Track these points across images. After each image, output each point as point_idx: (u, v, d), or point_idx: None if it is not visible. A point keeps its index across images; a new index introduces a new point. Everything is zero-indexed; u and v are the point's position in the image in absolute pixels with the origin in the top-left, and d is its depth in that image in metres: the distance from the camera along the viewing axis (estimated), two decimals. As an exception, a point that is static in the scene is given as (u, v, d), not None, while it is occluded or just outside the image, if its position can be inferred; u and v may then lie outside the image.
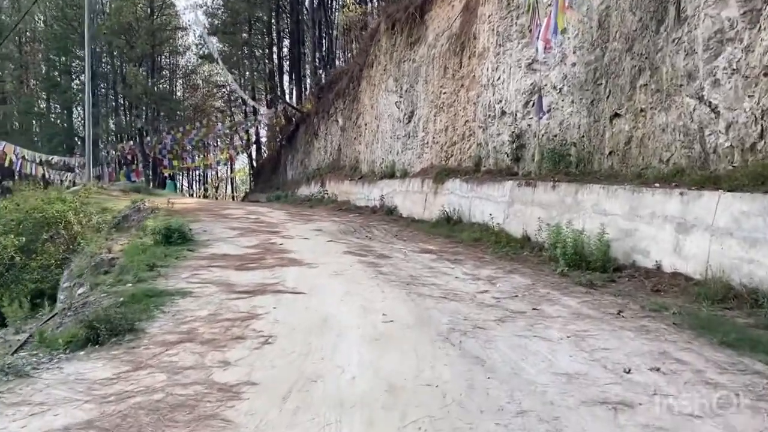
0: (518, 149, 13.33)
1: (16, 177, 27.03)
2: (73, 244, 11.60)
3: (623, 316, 5.91)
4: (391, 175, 19.74)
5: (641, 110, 9.62)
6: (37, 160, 25.93)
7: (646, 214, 8.23)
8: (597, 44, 10.80)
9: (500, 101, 14.20)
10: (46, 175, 26.54)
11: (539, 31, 10.41)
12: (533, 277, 8.00)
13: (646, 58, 9.52)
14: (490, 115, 14.61)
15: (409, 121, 19.52)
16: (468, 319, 5.48)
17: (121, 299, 5.45)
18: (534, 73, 13.09)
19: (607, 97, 10.49)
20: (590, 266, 8.40)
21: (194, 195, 60.53)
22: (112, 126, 43.58)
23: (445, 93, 17.28)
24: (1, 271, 11.60)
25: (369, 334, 4.72)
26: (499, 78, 14.41)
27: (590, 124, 10.93)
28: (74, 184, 23.17)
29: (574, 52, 11.54)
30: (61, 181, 25.80)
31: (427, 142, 18.12)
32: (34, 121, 43.71)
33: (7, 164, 22.11)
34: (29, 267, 11.41)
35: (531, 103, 13.11)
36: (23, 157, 24.04)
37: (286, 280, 6.80)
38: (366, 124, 24.00)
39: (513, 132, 13.48)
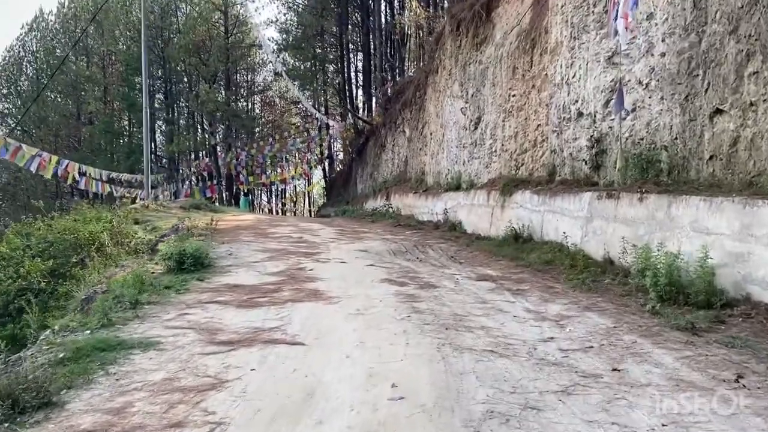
0: (598, 155, 11.47)
1: (74, 195, 27.33)
2: (105, 268, 10.73)
3: (744, 385, 4.12)
4: (457, 187, 18.12)
5: (751, 104, 7.67)
6: (103, 178, 25.97)
7: (763, 233, 6.32)
8: (691, 28, 8.90)
9: (576, 101, 12.38)
10: (113, 193, 26.59)
11: (617, 10, 8.63)
12: (616, 315, 6.23)
13: (756, 39, 7.58)
14: (564, 117, 12.80)
15: (476, 128, 17.87)
16: (517, 392, 3.87)
17: (62, 355, 4.22)
18: (615, 68, 11.24)
19: (706, 90, 8.57)
20: (689, 300, 6.55)
21: (272, 211, 60.88)
22: (188, 144, 44.15)
23: (514, 95, 15.55)
24: (28, 297, 10.82)
25: (361, 426, 3.23)
26: (574, 75, 12.60)
27: (685, 124, 9.01)
28: (134, 202, 22.92)
29: (663, 40, 9.66)
30: (122, 198, 25.78)
31: (495, 150, 16.41)
32: (114, 140, 44.94)
33: (70, 182, 22.08)
34: (57, 293, 10.60)
35: (612, 101, 11.27)
36: (89, 175, 24.05)
37: (291, 323, 5.42)
38: (431, 134, 22.50)
39: (591, 136, 11.64)
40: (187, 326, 5.22)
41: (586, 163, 11.77)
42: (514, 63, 15.63)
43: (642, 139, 10.32)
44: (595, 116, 11.70)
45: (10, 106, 50.73)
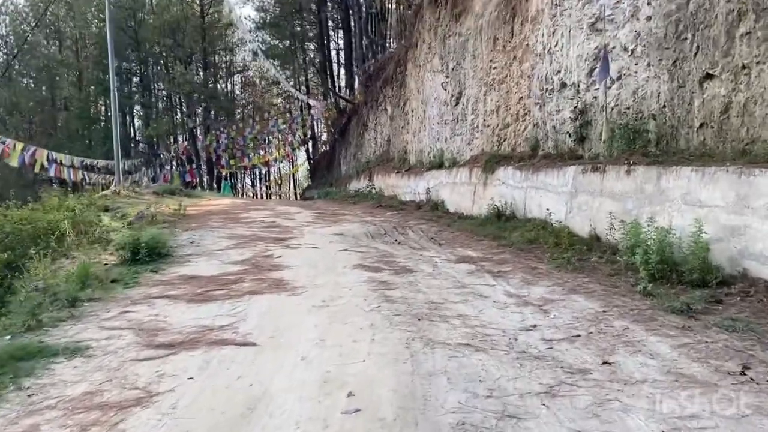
0: (582, 127, 10.96)
1: (53, 184, 26.36)
2: (63, 259, 10.08)
3: (751, 378, 3.64)
4: (439, 166, 17.56)
5: (743, 67, 7.18)
6: (75, 164, 25.07)
7: (761, 204, 5.85)
8: (680, -13, 8.38)
9: (559, 71, 11.83)
10: (86, 180, 25.71)
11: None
12: (604, 298, 5.74)
13: (748, -4, 7.10)
14: (547, 89, 12.25)
15: (457, 104, 17.27)
16: (494, 395, 3.35)
17: (-32, 366, 3.65)
18: (599, 34, 10.68)
19: (695, 54, 8.05)
20: (683, 279, 6.08)
21: (255, 195, 59.99)
22: (166, 127, 43.04)
23: (495, 68, 14.95)
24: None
25: (305, 449, 2.70)
26: (556, 44, 12.03)
27: (673, 91, 8.51)
28: (105, 188, 22.14)
29: (649, 3, 9.12)
30: (93, 185, 24.92)
31: (477, 126, 15.84)
32: (89, 126, 43.71)
33: (38, 170, 21.24)
34: (14, 288, 9.93)
35: (596, 69, 10.73)
36: (60, 162, 23.19)
37: (246, 319, 4.86)
38: (413, 111, 21.86)
39: (575, 107, 11.11)
40: (126, 326, 4.65)
41: (570, 136, 11.26)
42: (495, 34, 15.01)
43: (628, 109, 9.83)
44: (578, 86, 11.16)
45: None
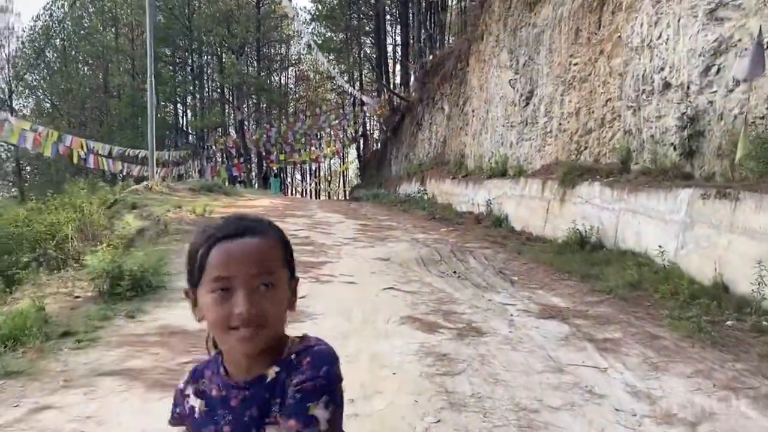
0: (692, 138, 8.75)
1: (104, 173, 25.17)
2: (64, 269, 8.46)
3: None
4: (502, 174, 15.43)
5: None
6: (114, 155, 23.87)
7: None
8: None
9: (662, 69, 9.63)
10: (127, 171, 24.54)
11: None
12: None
13: None
14: (645, 90, 10.06)
15: (527, 104, 15.10)
16: None
17: None
18: (719, 24, 8.49)
19: None
20: None
21: (304, 192, 58.77)
22: (214, 119, 41.96)
23: (576, 64, 12.76)
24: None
25: None
26: (660, 36, 9.83)
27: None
28: (140, 182, 20.82)
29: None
30: (130, 177, 23.75)
31: (551, 131, 13.68)
32: (138, 114, 43.04)
33: (75, 161, 20.08)
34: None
35: (715, 68, 8.53)
36: (97, 153, 21.99)
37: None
38: (473, 111, 19.74)
39: (683, 113, 8.92)
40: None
41: (674, 148, 9.06)
42: (578, 24, 12.81)
43: (762, 118, 7.62)
44: (688, 88, 8.94)
45: (38, 78, 49.35)
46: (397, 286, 6.55)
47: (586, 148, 12.13)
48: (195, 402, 1.20)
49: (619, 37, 11.15)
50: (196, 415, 1.19)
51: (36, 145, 17.77)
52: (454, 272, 7.66)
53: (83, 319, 4.88)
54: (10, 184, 50.24)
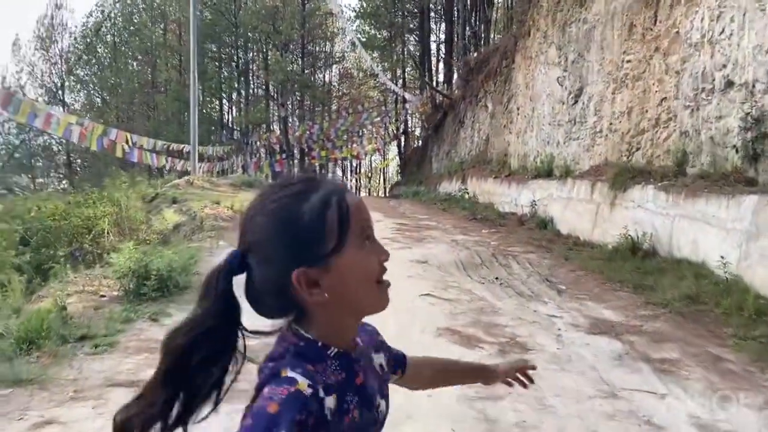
0: (757, 141, 8.14)
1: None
2: (100, 263, 8.37)
3: None
4: (548, 174, 14.88)
5: None
6: (158, 148, 24.05)
7: None
8: None
9: (724, 66, 9.01)
10: (171, 165, 24.72)
11: None
12: None
13: None
14: (704, 88, 9.44)
15: (576, 102, 14.51)
16: None
17: None
18: (791, 17, 7.88)
19: None
20: None
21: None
22: (259, 115, 42.20)
23: (629, 61, 12.15)
24: None
25: None
26: (722, 32, 9.20)
27: None
28: (182, 176, 20.92)
29: None
30: (170, 170, 23.88)
31: (600, 130, 13.09)
32: (184, 109, 43.57)
33: (119, 154, 20.25)
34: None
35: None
36: (141, 147, 22.17)
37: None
38: (518, 109, 19.17)
39: (748, 114, 8.30)
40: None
41: (736, 151, 8.45)
42: (632, 19, 12.18)
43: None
44: (753, 87, 8.31)
45: (89, 73, 50.49)
46: (435, 292, 6.19)
47: (638, 149, 11.52)
48: (330, 403, 0.96)
49: (677, 32, 10.52)
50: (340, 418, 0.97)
51: (82, 138, 17.96)
52: (496, 278, 7.25)
53: (104, 321, 4.68)
54: (61, 176, 51.57)
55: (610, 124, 12.64)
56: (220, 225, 9.15)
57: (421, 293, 6.05)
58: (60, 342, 4.08)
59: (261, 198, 0.99)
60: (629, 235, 9.03)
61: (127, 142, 21.18)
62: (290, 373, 0.92)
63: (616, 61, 12.66)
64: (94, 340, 4.25)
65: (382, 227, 11.05)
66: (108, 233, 9.22)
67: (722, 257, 6.79)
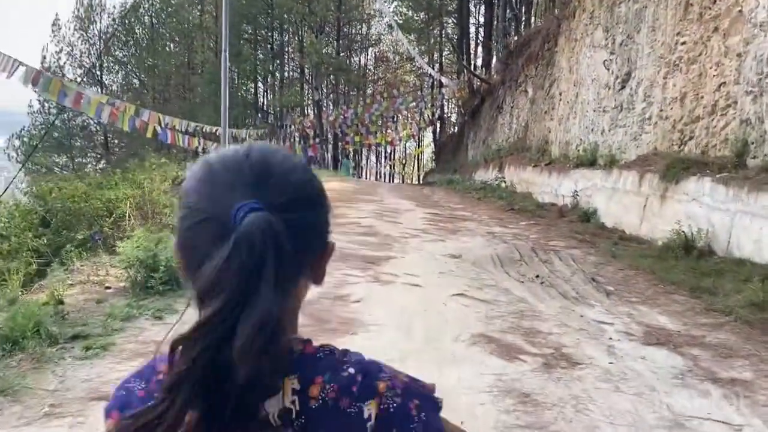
0: (831, 130, 7.35)
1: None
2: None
3: None
4: (591, 163, 14.10)
5: None
6: (190, 130, 23.78)
7: None
8: None
9: (794, 48, 8.19)
10: (200, 147, 24.45)
11: None
12: None
13: None
14: (769, 72, 8.63)
15: (623, 87, 13.66)
16: None
17: None
18: None
19: None
20: None
21: (378, 175, 58.38)
22: (293, 98, 41.81)
23: (684, 43, 11.28)
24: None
25: None
26: (792, 9, 8.38)
27: None
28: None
29: None
30: (202, 152, 23.57)
31: (650, 117, 12.26)
32: (218, 91, 43.46)
33: (149, 135, 20.03)
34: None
35: None
36: (174, 128, 21.91)
37: None
38: (561, 94, 18.32)
39: (821, 99, 7.49)
40: None
41: (807, 142, 7.66)
42: (688, -2, 11.32)
43: None
44: (828, 70, 7.50)
45: (127, 54, 50.72)
46: (469, 292, 5.62)
47: (691, 138, 10.70)
48: None
49: (740, 11, 9.65)
50: None
51: (113, 118, 17.74)
52: (537, 277, 6.64)
53: (103, 317, 4.24)
54: (99, 156, 52.14)
55: (661, 110, 11.81)
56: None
57: (453, 293, 5.47)
58: (48, 342, 3.64)
59: (282, 157, 0.80)
60: (682, 231, 8.29)
61: (159, 124, 20.93)
62: None
63: (668, 42, 11.80)
64: (87, 340, 3.79)
65: (413, 217, 10.50)
66: (129, 216, 8.85)
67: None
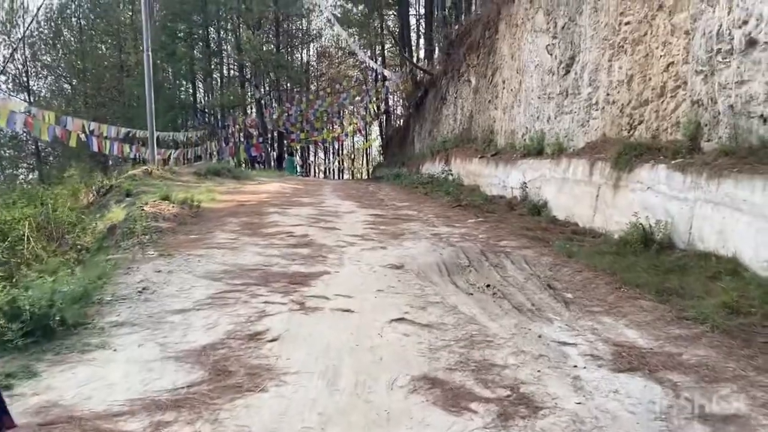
0: (791, 108, 6.86)
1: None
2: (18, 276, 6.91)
3: None
4: (539, 152, 13.54)
5: None
6: (120, 136, 22.36)
7: None
8: None
9: (745, 23, 7.67)
10: (131, 154, 23.02)
11: None
12: None
13: None
14: (720, 50, 8.10)
15: (567, 72, 13.12)
16: None
17: None
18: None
19: None
20: None
21: (327, 172, 57.39)
22: (231, 98, 40.30)
23: (628, 23, 10.77)
24: None
25: None
26: (741, -19, 7.87)
27: None
28: (135, 165, 19.32)
29: None
30: (125, 160, 22.25)
31: (596, 102, 11.74)
32: (156, 95, 41.52)
33: (73, 144, 18.58)
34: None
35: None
36: (99, 135, 20.47)
37: None
38: (504, 82, 17.76)
39: (778, 76, 6.99)
40: None
41: (764, 121, 7.15)
42: (630, -25, 10.80)
43: None
44: (782, 44, 7.01)
45: (56, 58, 48.12)
46: (410, 314, 4.82)
47: (641, 122, 10.19)
48: None
49: (685, -14, 9.17)
50: None
51: (29, 127, 16.32)
52: (488, 286, 5.90)
53: None
54: (32, 166, 49.41)
55: (608, 95, 11.29)
56: (159, 226, 7.70)
57: (392, 317, 4.66)
58: None
59: None
60: (640, 224, 7.71)
61: (85, 131, 19.49)
62: None
63: (612, 23, 11.27)
64: None
65: (354, 221, 9.65)
66: (29, 239, 7.74)
67: (744, 248, 5.49)
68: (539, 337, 4.49)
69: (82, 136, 19.05)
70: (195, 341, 4.09)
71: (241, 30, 40.20)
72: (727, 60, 7.97)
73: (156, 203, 8.96)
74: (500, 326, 4.70)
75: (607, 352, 4.21)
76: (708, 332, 4.61)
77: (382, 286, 5.66)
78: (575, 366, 3.96)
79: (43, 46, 46.99)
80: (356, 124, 45.13)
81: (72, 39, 47.60)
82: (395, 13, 42.31)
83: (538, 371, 3.83)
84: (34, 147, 46.53)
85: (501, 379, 3.67)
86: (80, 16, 47.85)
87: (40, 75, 48.76)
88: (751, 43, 7.55)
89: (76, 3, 48.00)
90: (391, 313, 4.76)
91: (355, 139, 54.17)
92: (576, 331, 4.66)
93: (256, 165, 38.36)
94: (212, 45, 43.31)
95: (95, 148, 20.03)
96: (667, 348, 4.31)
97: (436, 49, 33.48)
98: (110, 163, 34.95)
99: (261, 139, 40.00)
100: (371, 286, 5.63)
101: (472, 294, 5.64)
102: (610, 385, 3.68)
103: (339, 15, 42.53)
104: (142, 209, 8.41)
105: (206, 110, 46.02)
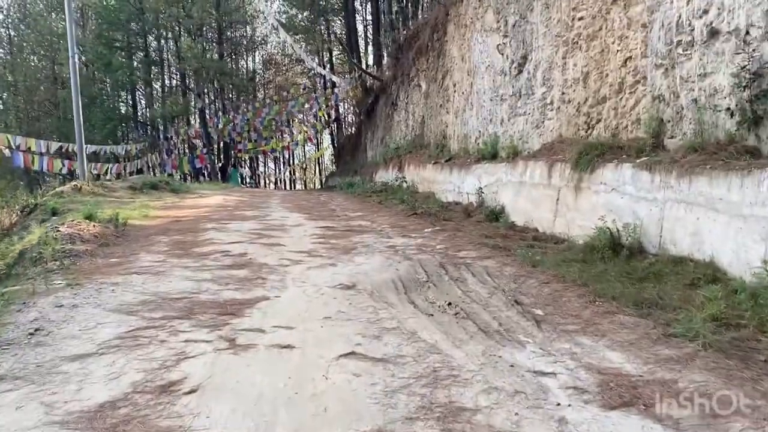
0: (758, 100, 6.45)
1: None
2: None
3: None
4: (493, 156, 13.06)
5: None
6: (51, 151, 20.98)
7: None
8: None
9: (705, 12, 7.32)
10: (63, 170, 21.63)
11: None
12: None
13: None
14: (680, 41, 7.74)
15: (520, 72, 12.69)
16: None
17: None
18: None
19: None
20: None
21: (278, 183, 56.20)
22: (172, 108, 38.82)
23: (581, 18, 10.38)
24: None
25: None
26: (698, -31, 7.52)
27: None
28: (66, 181, 18.07)
29: None
30: (70, 175, 20.96)
31: (551, 102, 11.31)
32: (90, 105, 39.70)
33: (-5, 160, 17.24)
34: None
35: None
36: (28, 149, 19.10)
37: None
38: (455, 85, 17.28)
39: (743, 68, 6.57)
40: None
41: (731, 115, 6.74)
42: (581, -31, 10.41)
43: None
44: (747, 34, 6.62)
45: (-17, 71, 45.70)
46: (363, 345, 4.08)
47: (599, 121, 9.77)
48: None
49: (639, -22, 8.80)
50: None
51: (-58, 143, 14.96)
52: (449, 304, 5.22)
53: None
54: (-38, 186, 46.77)
55: (563, 94, 10.87)
56: (75, 249, 6.76)
57: (341, 352, 3.90)
58: None
59: None
60: (606, 228, 7.19)
61: (9, 146, 18.12)
62: None
63: (565, 19, 10.87)
64: None
65: (302, 234, 8.85)
66: None
67: (721, 249, 4.98)
68: (512, 366, 3.82)
69: (6, 151, 17.67)
70: (90, 398, 3.26)
71: (182, 38, 38.84)
72: (689, 52, 7.60)
73: (75, 223, 7.98)
74: (466, 355, 4.02)
75: (592, 383, 3.57)
76: (700, 351, 4.04)
77: (331, 312, 4.90)
78: (558, 404, 3.30)
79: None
80: (306, 132, 44.29)
81: (0, 51, 45.32)
82: (341, 19, 41.72)
83: (516, 414, 3.15)
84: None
85: (473, 428, 2.98)
86: (9, 26, 45.59)
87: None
88: (713, 33, 7.17)
89: (4, 13, 45.75)
90: (340, 347, 4.02)
91: (306, 148, 53.20)
92: (552, 356, 4.02)
93: (201, 177, 37.14)
94: (152, 54, 41.74)
95: (20, 164, 18.64)
96: (660, 374, 3.70)
97: (385, 54, 32.96)
98: (47, 179, 33.19)
99: (205, 150, 38.70)
100: (317, 312, 4.86)
101: (432, 315, 4.95)
102: (603, 429, 3.04)
103: (284, 21, 41.63)
104: (58, 230, 7.43)
105: (147, 122, 44.32)
